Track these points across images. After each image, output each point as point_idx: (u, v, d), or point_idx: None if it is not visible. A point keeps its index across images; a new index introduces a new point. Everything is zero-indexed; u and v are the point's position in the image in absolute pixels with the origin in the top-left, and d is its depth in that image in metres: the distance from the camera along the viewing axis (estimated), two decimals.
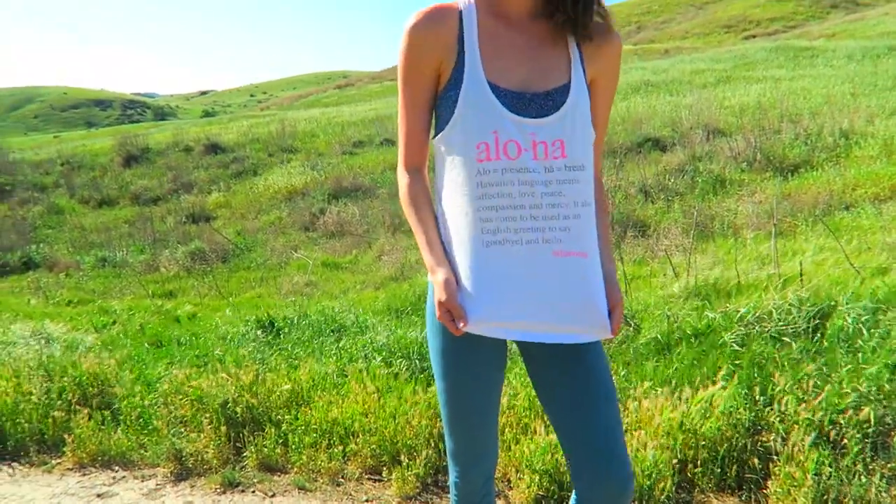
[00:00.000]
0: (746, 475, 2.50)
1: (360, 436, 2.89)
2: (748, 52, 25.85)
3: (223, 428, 3.06)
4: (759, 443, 2.60)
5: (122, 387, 3.64)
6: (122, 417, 3.34)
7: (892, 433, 2.55)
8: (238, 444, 3.05)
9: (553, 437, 2.59)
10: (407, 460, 2.71)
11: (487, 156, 1.35)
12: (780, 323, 3.59)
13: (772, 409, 2.70)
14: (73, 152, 23.84)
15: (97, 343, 5.65)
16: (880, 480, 2.32)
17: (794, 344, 3.32)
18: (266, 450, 2.94)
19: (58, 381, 3.63)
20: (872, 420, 2.54)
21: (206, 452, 2.98)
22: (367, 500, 2.65)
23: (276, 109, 41.67)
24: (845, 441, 2.49)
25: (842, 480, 2.34)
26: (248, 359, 3.90)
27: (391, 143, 17.19)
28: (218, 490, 2.78)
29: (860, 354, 3.05)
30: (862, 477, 2.35)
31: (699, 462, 2.53)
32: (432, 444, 2.77)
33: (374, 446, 2.83)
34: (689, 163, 10.72)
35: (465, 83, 1.37)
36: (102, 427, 3.24)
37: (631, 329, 3.99)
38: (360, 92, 42.64)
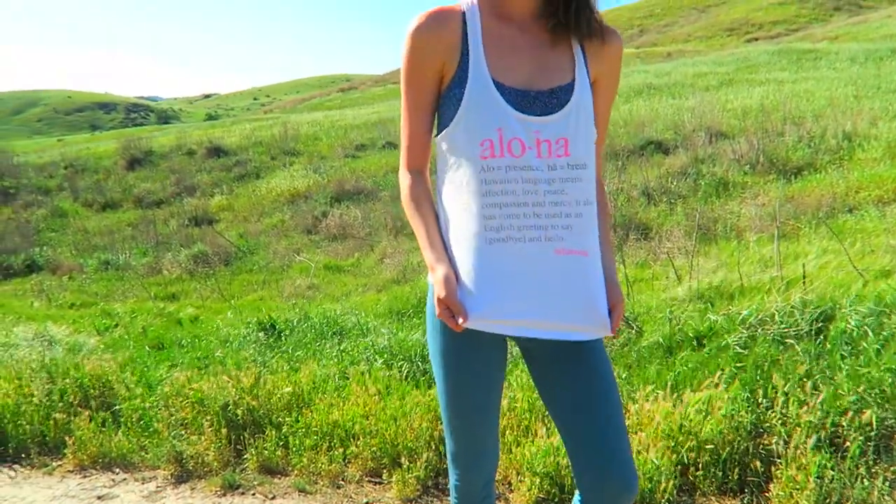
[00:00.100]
0: (748, 478, 2.49)
1: (361, 438, 2.88)
2: (751, 54, 25.82)
3: (224, 430, 3.05)
4: (761, 445, 2.59)
5: (123, 389, 3.64)
6: (122, 419, 3.34)
7: (895, 436, 2.54)
8: (239, 447, 3.05)
9: (554, 439, 2.59)
10: (407, 463, 2.70)
11: (492, 153, 1.35)
12: (783, 325, 3.58)
13: (774, 412, 2.68)
14: (77, 155, 23.91)
15: (99, 345, 5.66)
16: (883, 483, 2.31)
17: (796, 346, 3.31)
18: (266, 452, 2.94)
19: (59, 382, 3.63)
20: (875, 423, 2.53)
21: (207, 455, 2.98)
22: (367, 503, 2.64)
23: (279, 113, 41.76)
24: (847, 444, 2.48)
25: (844, 483, 2.33)
26: (248, 361, 3.89)
27: (394, 147, 17.21)
28: (218, 492, 2.77)
29: (863, 357, 3.03)
30: (864, 480, 2.34)
31: (700, 465, 2.52)
32: (433, 447, 2.76)
33: (374, 448, 2.82)
34: (692, 165, 10.70)
35: (469, 81, 1.37)
36: (103, 429, 3.24)
37: (633, 332, 3.98)
38: (364, 95, 42.71)
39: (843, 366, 2.95)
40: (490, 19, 1.42)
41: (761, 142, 10.72)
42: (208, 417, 3.14)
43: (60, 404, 3.47)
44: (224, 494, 2.76)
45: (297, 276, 9.58)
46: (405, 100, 1.46)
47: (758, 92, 16.40)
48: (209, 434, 3.05)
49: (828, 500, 2.27)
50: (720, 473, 2.51)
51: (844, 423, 2.56)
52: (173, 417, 3.25)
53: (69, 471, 3.07)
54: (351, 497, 2.68)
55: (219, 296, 8.85)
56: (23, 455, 3.23)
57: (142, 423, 3.30)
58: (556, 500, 2.46)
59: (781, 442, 2.53)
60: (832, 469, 2.36)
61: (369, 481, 2.78)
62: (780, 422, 2.62)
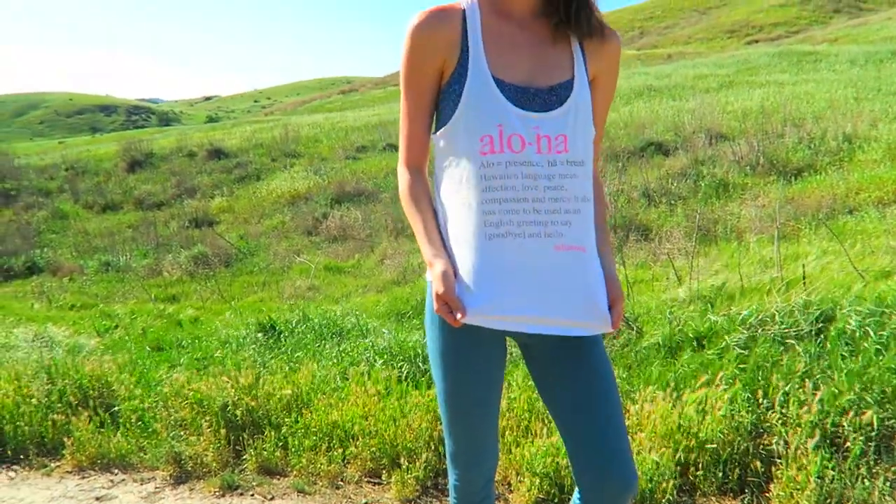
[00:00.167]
0: (748, 478, 2.49)
1: (360, 439, 2.88)
2: (751, 56, 25.84)
3: (223, 431, 3.05)
4: (762, 446, 2.59)
5: (122, 390, 3.63)
6: (121, 420, 3.33)
7: None
8: (238, 448, 3.04)
9: (553, 439, 2.58)
10: (407, 463, 2.69)
11: (491, 148, 1.35)
12: (783, 326, 3.57)
13: (774, 412, 2.68)
14: (78, 157, 23.93)
15: (99, 347, 5.66)
16: (884, 484, 2.30)
17: (797, 347, 3.30)
18: (266, 453, 2.93)
19: (59, 383, 3.62)
20: (875, 423, 2.52)
21: (206, 455, 2.97)
22: (366, 503, 2.63)
23: (279, 115, 41.78)
24: (848, 444, 2.47)
25: (845, 483, 2.32)
26: (248, 361, 3.89)
27: (394, 148, 17.21)
28: (217, 493, 2.77)
29: (863, 357, 3.03)
30: (865, 480, 2.33)
31: (701, 465, 2.51)
32: (432, 447, 2.75)
33: (373, 449, 2.82)
34: (692, 167, 10.70)
35: (469, 77, 1.38)
36: (102, 430, 3.23)
37: (633, 332, 3.97)
38: (364, 97, 42.74)
39: (843, 366, 2.95)
40: (490, 16, 1.42)
41: (761, 143, 10.72)
42: (207, 418, 3.13)
43: (59, 405, 3.47)
44: (223, 495, 2.76)
45: (298, 277, 9.58)
46: (405, 97, 1.46)
47: (758, 94, 16.41)
48: (208, 435, 3.04)
49: (828, 501, 2.27)
50: (720, 473, 2.50)
51: (845, 424, 2.55)
52: (172, 418, 3.24)
53: (67, 472, 3.06)
54: (350, 498, 2.68)
55: (219, 297, 8.85)
56: (21, 456, 3.22)
57: (140, 423, 3.29)
58: (556, 500, 2.45)
59: (782, 442, 2.52)
60: (833, 469, 2.35)
61: (368, 482, 2.77)
62: (780, 422, 2.61)
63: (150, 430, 3.23)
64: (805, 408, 2.62)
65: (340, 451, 2.87)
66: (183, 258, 11.55)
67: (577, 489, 1.52)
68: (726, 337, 3.59)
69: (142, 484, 2.91)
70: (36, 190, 19.94)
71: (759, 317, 3.70)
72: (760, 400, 2.75)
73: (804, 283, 4.13)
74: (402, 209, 1.51)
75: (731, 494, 2.48)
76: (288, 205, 14.72)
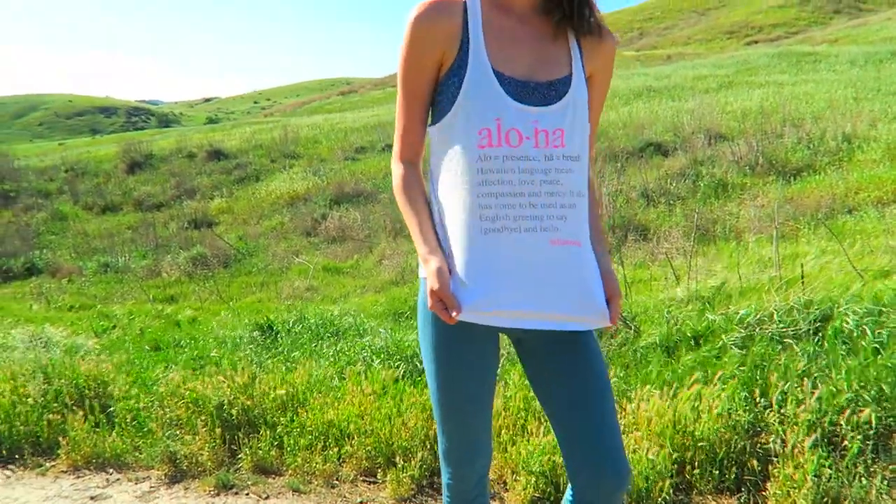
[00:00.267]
0: (745, 477, 2.47)
1: (356, 438, 2.87)
2: (750, 57, 25.84)
3: (218, 430, 3.03)
4: (759, 444, 2.57)
5: (118, 389, 3.62)
6: (117, 420, 3.32)
7: (894, 434, 2.52)
8: (233, 447, 3.03)
9: (550, 437, 2.57)
10: (402, 462, 2.68)
11: (489, 142, 1.35)
12: (781, 325, 3.56)
13: (771, 411, 2.67)
14: (78, 159, 23.93)
15: (97, 347, 5.64)
16: (881, 482, 2.29)
17: (795, 346, 3.29)
18: (261, 452, 2.92)
19: (55, 383, 3.61)
20: (873, 421, 2.51)
21: (201, 455, 2.96)
22: (361, 502, 2.62)
23: (279, 116, 41.79)
24: (846, 443, 2.46)
25: (842, 482, 2.31)
26: (244, 361, 3.88)
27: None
28: (212, 492, 2.76)
29: (862, 355, 3.02)
30: (862, 479, 2.32)
31: (697, 464, 2.50)
32: (428, 446, 2.74)
33: (369, 448, 2.81)
34: (691, 167, 10.70)
35: (469, 69, 1.37)
36: (97, 430, 3.22)
37: (631, 331, 3.96)
38: (363, 98, 42.76)
39: (842, 365, 2.93)
40: (490, 10, 1.42)
41: (760, 143, 10.72)
42: (203, 417, 3.12)
43: (55, 405, 3.45)
44: (218, 494, 2.74)
45: (296, 278, 9.58)
46: (402, 89, 1.44)
47: (757, 94, 16.41)
48: (203, 434, 3.03)
49: (825, 499, 2.25)
50: (717, 472, 2.49)
51: (843, 422, 2.54)
52: (168, 417, 3.23)
53: (63, 471, 3.05)
54: (345, 497, 2.66)
55: (217, 298, 8.84)
56: (17, 456, 3.21)
57: (136, 423, 3.28)
58: (552, 498, 2.44)
59: (779, 441, 2.51)
60: (830, 468, 2.34)
61: (364, 481, 2.76)
62: (777, 421, 2.60)
63: (145, 429, 3.22)
64: (802, 406, 2.60)
65: (336, 450, 2.86)
66: (182, 259, 11.54)
67: (570, 487, 1.51)
68: (724, 336, 3.58)
69: (137, 483, 2.90)
70: (35, 191, 19.95)
71: (758, 316, 3.69)
72: (758, 399, 2.74)
73: (802, 283, 4.12)
74: (395, 201, 1.50)
75: (728, 493, 2.47)
76: (287, 206, 14.72)
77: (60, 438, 3.14)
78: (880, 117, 11.81)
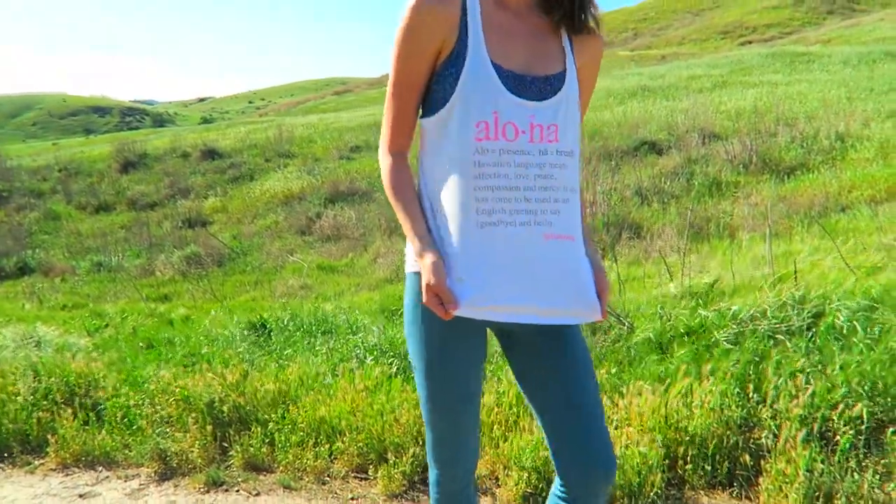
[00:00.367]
0: (737, 472, 2.47)
1: (347, 434, 2.85)
2: (744, 57, 25.91)
3: (209, 427, 3.01)
4: (751, 440, 2.57)
5: (108, 387, 3.60)
6: (106, 418, 3.29)
7: (886, 429, 2.52)
8: (224, 444, 3.01)
9: (541, 433, 2.56)
10: (394, 458, 2.67)
11: (486, 135, 1.34)
12: (775, 321, 3.56)
13: (764, 406, 2.66)
14: (71, 159, 23.85)
15: (89, 346, 5.61)
16: (873, 476, 2.29)
17: (787, 342, 3.29)
18: (252, 449, 2.90)
19: (45, 381, 3.58)
20: (865, 416, 2.51)
21: (191, 452, 2.94)
22: (352, 499, 2.61)
23: (274, 115, 41.71)
24: (838, 438, 2.46)
25: (834, 477, 2.30)
26: (235, 358, 3.86)
27: None
28: (202, 489, 2.73)
29: (854, 351, 3.01)
30: (854, 473, 2.31)
31: (689, 459, 2.49)
32: (420, 442, 2.73)
33: (360, 444, 2.79)
34: (685, 166, 10.72)
35: (468, 61, 1.35)
36: (87, 427, 3.20)
37: (624, 328, 3.95)
38: (359, 98, 42.72)
39: (835, 360, 2.93)
40: (488, 4, 1.41)
41: (754, 142, 10.74)
42: (193, 415, 3.09)
43: (45, 403, 3.43)
44: (207, 491, 2.72)
45: (290, 276, 9.55)
46: (395, 78, 1.41)
47: (751, 94, 16.45)
48: (194, 431, 3.01)
49: (817, 494, 2.25)
50: (709, 467, 2.49)
51: (835, 417, 2.53)
52: (158, 415, 3.21)
53: (51, 469, 3.02)
54: (336, 493, 2.65)
55: (211, 296, 8.81)
56: (5, 454, 3.19)
57: (126, 420, 3.25)
58: (544, 494, 2.43)
59: (771, 436, 2.51)
60: (822, 462, 2.33)
61: (355, 477, 2.74)
62: (769, 416, 2.60)
63: (135, 427, 3.20)
64: (795, 402, 2.60)
65: (327, 446, 2.85)
66: (175, 258, 11.51)
67: (557, 482, 1.49)
68: (717, 332, 3.58)
69: (126, 481, 2.88)
70: (28, 191, 19.87)
71: (751, 312, 3.69)
72: (750, 394, 2.74)
73: (795, 280, 4.12)
74: (385, 193, 1.49)
75: (720, 488, 2.46)
76: (281, 205, 14.69)
77: (49, 436, 3.11)
78: (873, 116, 11.86)
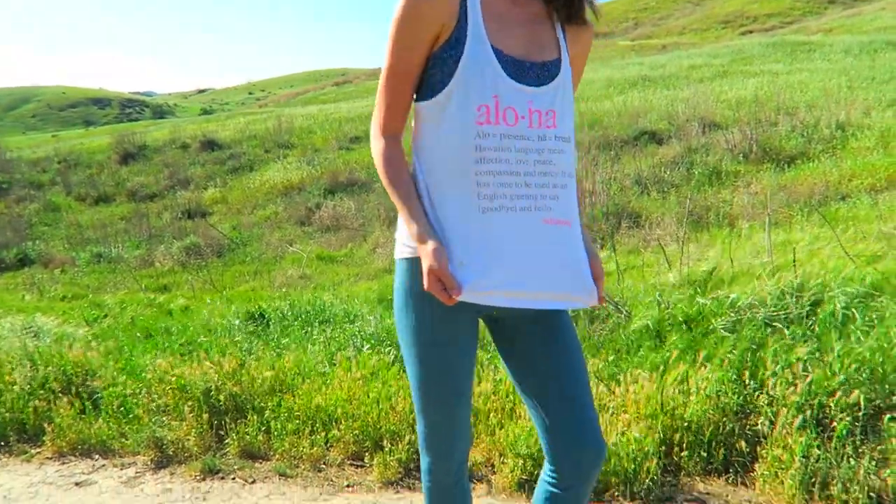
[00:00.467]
0: (734, 458, 2.46)
1: (344, 422, 2.84)
2: (745, 47, 25.79)
3: (205, 416, 3.01)
4: (748, 426, 2.56)
5: (105, 376, 3.59)
6: (103, 407, 3.29)
7: (883, 416, 2.51)
8: (220, 432, 3.01)
9: None
10: (389, 445, 2.66)
11: (487, 119, 1.33)
12: (773, 309, 3.55)
13: (761, 393, 2.65)
14: (71, 150, 23.81)
15: (87, 336, 5.61)
16: (869, 462, 2.28)
17: (785, 330, 3.28)
18: (248, 437, 2.90)
19: (42, 370, 3.58)
20: (862, 403, 2.50)
21: (188, 440, 2.94)
22: (348, 486, 2.61)
23: (273, 106, 41.62)
24: (834, 424, 2.45)
25: (830, 463, 2.30)
26: (231, 347, 3.85)
27: None
28: (198, 477, 2.73)
29: (852, 337, 3.01)
30: (851, 459, 2.31)
31: (685, 445, 2.49)
32: (415, 429, 2.72)
33: (356, 432, 2.79)
34: (686, 155, 10.69)
35: (468, 44, 1.34)
36: (83, 416, 3.19)
37: (622, 316, 3.94)
38: (358, 88, 42.59)
39: (831, 347, 2.92)
40: None
41: (755, 132, 10.70)
42: (190, 403, 3.09)
43: (41, 392, 3.43)
44: (204, 479, 2.72)
45: (290, 266, 9.54)
46: (392, 61, 1.38)
47: (752, 83, 16.38)
48: (190, 420, 3.01)
49: (813, 480, 2.25)
50: (705, 454, 2.48)
51: (832, 404, 2.53)
52: (154, 403, 3.21)
53: (48, 458, 3.03)
54: (332, 480, 2.65)
55: (210, 287, 8.81)
56: (1, 443, 3.19)
57: (122, 409, 3.25)
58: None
59: (767, 422, 2.50)
60: (818, 449, 2.33)
61: (351, 464, 2.74)
62: (766, 402, 2.59)
63: (131, 415, 3.20)
64: (791, 388, 2.59)
65: (323, 434, 2.84)
66: (175, 249, 11.50)
67: (547, 467, 1.48)
68: (714, 320, 3.57)
69: (122, 469, 2.88)
70: (28, 183, 19.85)
71: (749, 300, 3.68)
72: (747, 381, 2.73)
73: (795, 268, 4.11)
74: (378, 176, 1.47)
75: (716, 474, 2.46)
76: (281, 195, 14.67)
77: (46, 425, 3.11)
78: (874, 105, 11.81)
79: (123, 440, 3.05)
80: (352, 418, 2.84)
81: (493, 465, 2.59)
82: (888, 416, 2.47)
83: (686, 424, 2.54)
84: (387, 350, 3.68)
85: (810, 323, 3.37)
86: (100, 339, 5.27)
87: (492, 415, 2.76)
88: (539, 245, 1.35)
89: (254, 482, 2.68)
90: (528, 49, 1.39)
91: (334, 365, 3.48)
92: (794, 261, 4.20)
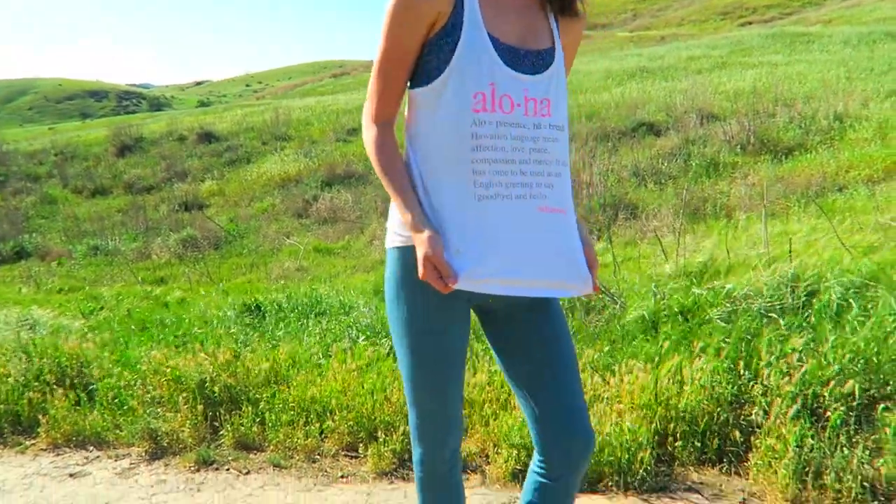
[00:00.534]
0: (728, 448, 2.46)
1: (338, 413, 2.84)
2: (744, 38, 25.73)
3: (200, 407, 3.00)
4: (742, 416, 2.56)
5: (100, 368, 3.59)
6: (98, 398, 3.28)
7: (877, 405, 2.51)
8: (215, 423, 3.01)
9: None
10: (384, 436, 2.66)
11: (483, 107, 1.32)
12: (768, 299, 3.55)
13: (756, 383, 2.65)
14: (67, 143, 23.74)
15: (84, 328, 5.60)
16: (863, 452, 2.28)
17: (780, 320, 3.28)
18: (243, 428, 2.89)
19: (37, 362, 3.57)
20: (857, 393, 2.50)
21: (182, 431, 2.94)
22: (342, 477, 2.60)
23: (271, 98, 41.49)
24: (828, 414, 2.45)
25: (824, 452, 2.30)
26: (226, 338, 3.85)
27: None
28: (192, 468, 2.73)
29: (847, 328, 3.00)
30: (844, 448, 2.31)
31: (679, 435, 2.49)
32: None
33: (351, 423, 2.78)
34: (683, 147, 10.67)
35: (464, 31, 1.33)
36: (78, 408, 3.19)
37: (618, 306, 3.94)
38: (356, 80, 42.47)
39: (826, 337, 2.92)
40: None
41: (752, 123, 10.68)
42: (184, 395, 3.09)
43: (36, 384, 3.42)
44: (198, 470, 2.72)
45: (287, 259, 9.53)
46: (386, 45, 1.37)
47: (750, 74, 16.35)
48: (185, 411, 3.00)
49: (807, 469, 2.24)
50: (699, 444, 2.48)
51: (826, 394, 2.52)
52: (149, 395, 3.20)
53: (42, 449, 3.02)
54: (326, 471, 2.65)
55: (207, 279, 8.80)
56: None
57: (117, 401, 3.24)
58: None
59: (762, 412, 2.50)
60: (812, 438, 2.32)
61: (345, 455, 2.74)
62: (760, 392, 2.59)
63: (126, 407, 3.19)
64: (786, 378, 2.59)
65: (318, 425, 2.84)
66: (172, 241, 11.49)
67: (536, 457, 1.48)
68: (710, 310, 3.56)
69: (116, 460, 2.87)
70: (24, 175, 19.80)
71: (745, 291, 3.68)
72: (742, 371, 2.73)
73: (790, 259, 4.10)
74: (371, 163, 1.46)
75: (710, 464, 2.46)
76: (278, 187, 14.64)
77: (41, 417, 3.10)
78: (872, 97, 11.79)
79: (118, 432, 3.05)
80: (346, 409, 2.84)
81: (487, 456, 2.59)
82: (882, 405, 2.47)
83: (680, 414, 2.53)
84: (382, 341, 3.67)
85: (806, 313, 3.37)
86: (95, 331, 5.27)
87: (486, 405, 2.75)
88: (534, 233, 1.35)
89: (248, 473, 2.68)
90: (523, 37, 1.39)
91: (329, 356, 3.47)
92: (791, 252, 4.20)
